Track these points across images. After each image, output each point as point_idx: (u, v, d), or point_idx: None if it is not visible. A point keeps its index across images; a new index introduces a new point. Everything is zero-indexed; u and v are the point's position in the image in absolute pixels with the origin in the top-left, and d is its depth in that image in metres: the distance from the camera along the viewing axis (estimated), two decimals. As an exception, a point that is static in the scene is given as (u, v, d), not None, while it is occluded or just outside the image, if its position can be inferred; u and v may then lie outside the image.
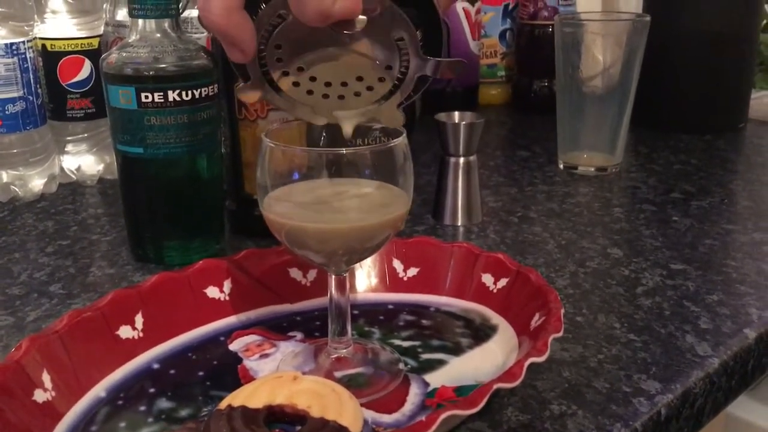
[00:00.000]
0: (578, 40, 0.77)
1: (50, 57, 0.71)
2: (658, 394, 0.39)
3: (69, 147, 0.75)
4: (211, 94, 0.54)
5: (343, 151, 0.38)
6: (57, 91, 0.72)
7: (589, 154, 0.78)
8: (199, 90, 0.53)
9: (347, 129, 0.40)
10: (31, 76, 0.68)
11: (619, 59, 0.77)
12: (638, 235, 0.61)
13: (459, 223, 0.64)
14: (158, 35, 0.53)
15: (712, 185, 0.73)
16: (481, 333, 0.45)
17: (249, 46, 0.35)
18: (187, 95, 0.52)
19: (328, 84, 0.39)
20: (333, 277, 0.41)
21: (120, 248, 0.59)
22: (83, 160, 0.75)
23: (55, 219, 0.66)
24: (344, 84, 0.39)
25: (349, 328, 0.42)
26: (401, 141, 0.39)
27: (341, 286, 0.41)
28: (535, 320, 0.41)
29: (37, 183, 0.71)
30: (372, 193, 0.38)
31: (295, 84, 0.39)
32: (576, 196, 0.71)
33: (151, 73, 0.51)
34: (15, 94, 0.67)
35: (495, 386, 0.33)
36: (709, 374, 0.41)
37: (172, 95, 0.52)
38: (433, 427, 0.30)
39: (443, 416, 0.31)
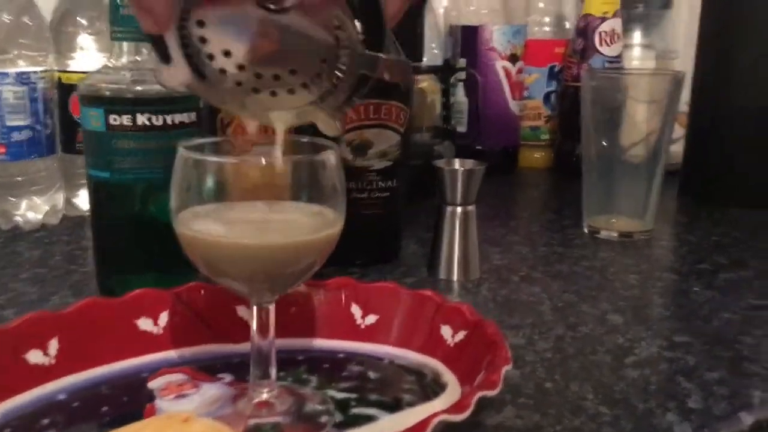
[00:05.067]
0: (608, 96, 0.72)
1: (64, 90, 0.71)
2: (614, 478, 0.33)
3: (82, 180, 0.75)
4: (186, 121, 0.52)
5: (263, 161, 0.34)
6: (68, 124, 0.72)
7: (617, 219, 0.72)
8: (171, 116, 0.51)
9: (279, 129, 0.37)
10: (40, 106, 0.69)
11: (659, 121, 0.71)
12: (647, 304, 0.54)
13: (454, 278, 0.59)
14: (137, 59, 0.52)
15: (749, 258, 0.65)
16: (428, 390, 0.40)
17: (162, 12, 0.31)
18: (157, 120, 0.50)
19: (258, 76, 0.35)
20: (255, 312, 0.37)
21: (92, 280, 0.57)
22: (93, 195, 0.75)
23: (45, 249, 0.65)
24: (276, 77, 0.36)
25: (273, 372, 0.38)
26: (328, 155, 0.35)
27: (264, 324, 0.37)
28: (479, 378, 0.36)
29: (38, 213, 0.70)
30: (295, 211, 0.35)
31: (222, 72, 0.35)
32: (592, 259, 0.64)
33: (120, 95, 0.50)
34: (22, 123, 0.68)
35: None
36: (685, 461, 0.34)
37: (141, 119, 0.50)
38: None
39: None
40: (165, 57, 0.35)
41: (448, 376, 0.40)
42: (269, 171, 0.34)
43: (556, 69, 1.05)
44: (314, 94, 0.36)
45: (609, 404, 0.39)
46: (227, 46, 0.35)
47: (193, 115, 0.52)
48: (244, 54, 0.35)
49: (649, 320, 0.51)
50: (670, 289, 0.57)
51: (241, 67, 0.35)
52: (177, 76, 0.35)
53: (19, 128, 0.68)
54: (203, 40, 0.34)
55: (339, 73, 0.35)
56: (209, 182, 0.34)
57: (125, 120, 0.50)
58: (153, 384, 0.40)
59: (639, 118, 0.72)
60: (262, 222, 0.35)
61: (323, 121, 0.37)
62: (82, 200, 0.75)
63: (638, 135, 0.72)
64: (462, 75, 0.97)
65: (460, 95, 0.98)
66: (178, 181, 0.35)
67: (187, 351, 0.44)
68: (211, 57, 0.35)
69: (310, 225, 0.35)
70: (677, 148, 0.93)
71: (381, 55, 0.34)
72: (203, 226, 0.34)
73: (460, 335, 0.41)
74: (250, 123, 0.37)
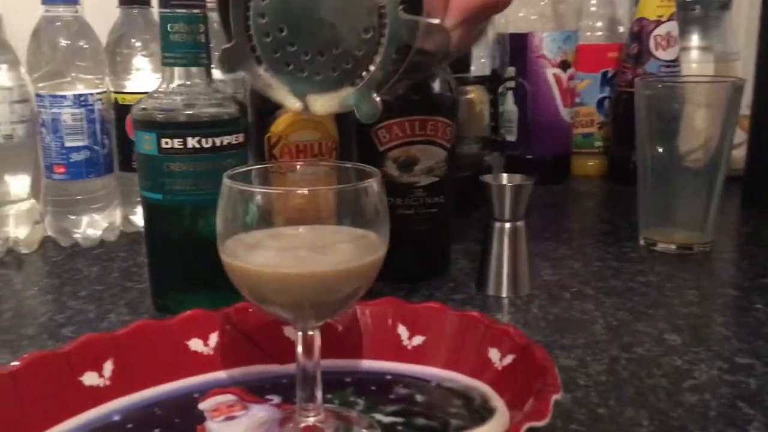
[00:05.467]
0: (663, 105, 0.70)
1: (120, 110, 0.73)
2: None
3: (139, 198, 0.77)
4: (234, 143, 0.53)
5: (306, 191, 0.34)
6: (125, 144, 0.74)
7: (675, 231, 0.70)
8: (220, 138, 0.52)
9: (320, 111, 0.39)
10: (98, 127, 0.71)
11: (719, 128, 0.69)
12: (707, 322, 0.52)
13: (503, 295, 0.58)
14: (188, 83, 0.53)
15: (816, 271, 0.62)
16: (476, 415, 0.39)
17: None
18: (207, 143, 0.51)
19: (306, 53, 0.38)
20: (300, 336, 0.37)
21: (147, 297, 0.58)
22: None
23: (103, 265, 0.67)
24: (321, 54, 0.38)
25: (318, 394, 0.38)
26: (371, 182, 0.35)
27: (309, 348, 0.37)
28: (528, 405, 0.35)
29: (97, 230, 0.72)
30: (339, 237, 0.35)
31: (275, 51, 0.38)
32: (648, 274, 0.62)
33: (171, 119, 0.51)
34: (80, 143, 0.70)
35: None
36: (746, 495, 0.33)
37: (191, 142, 0.51)
38: None
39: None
40: (229, 35, 0.38)
41: (497, 401, 0.40)
42: (312, 198, 0.34)
43: (609, 74, 1.03)
44: (356, 71, 0.37)
45: (665, 432, 0.38)
46: (281, 21, 0.37)
47: (240, 137, 0.53)
48: (295, 30, 0.37)
49: (708, 340, 0.49)
50: (731, 306, 0.55)
51: (291, 44, 0.38)
52: (237, 57, 0.38)
53: (77, 149, 0.70)
54: (263, 15, 0.37)
55: (380, 43, 0.36)
56: (253, 211, 0.34)
57: (176, 143, 0.51)
58: (203, 405, 0.41)
59: (697, 126, 0.70)
60: (305, 250, 0.35)
61: (364, 105, 0.38)
62: (139, 217, 0.76)
63: (697, 142, 0.70)
64: (511, 84, 0.95)
65: (509, 103, 0.97)
66: (223, 210, 0.35)
67: (237, 371, 0.44)
68: (267, 35, 0.37)
69: (353, 251, 0.35)
70: (739, 153, 0.90)
71: (420, 18, 0.35)
72: (247, 256, 0.35)
73: (509, 359, 0.41)
74: (294, 103, 0.39)
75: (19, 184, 0.70)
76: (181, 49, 0.52)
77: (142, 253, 0.70)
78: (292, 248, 0.35)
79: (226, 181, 0.35)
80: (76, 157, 0.70)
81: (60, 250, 0.71)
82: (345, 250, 0.35)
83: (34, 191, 0.73)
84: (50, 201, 0.72)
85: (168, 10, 0.51)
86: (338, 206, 0.35)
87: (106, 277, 0.64)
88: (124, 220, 0.76)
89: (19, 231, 0.70)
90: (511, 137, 0.98)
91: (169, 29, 0.51)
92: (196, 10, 0.51)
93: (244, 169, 0.37)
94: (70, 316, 0.55)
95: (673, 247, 0.68)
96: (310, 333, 0.37)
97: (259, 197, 0.35)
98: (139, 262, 0.68)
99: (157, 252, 0.55)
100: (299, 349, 0.37)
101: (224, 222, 0.35)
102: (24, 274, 0.65)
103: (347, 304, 0.37)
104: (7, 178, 0.69)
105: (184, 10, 0.51)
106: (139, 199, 0.75)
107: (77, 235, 0.72)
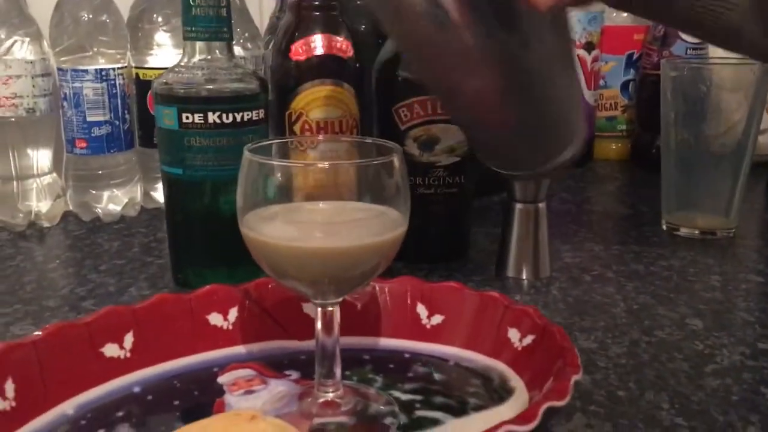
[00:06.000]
0: (689, 87, 0.68)
1: (141, 85, 0.73)
2: (690, 496, 0.31)
3: (159, 174, 0.77)
4: (255, 118, 0.52)
5: (326, 165, 0.34)
6: (146, 119, 0.74)
7: (698, 216, 0.69)
8: (241, 114, 0.51)
9: None
10: (119, 102, 0.71)
11: (745, 112, 0.68)
12: (730, 308, 0.51)
13: (523, 277, 0.58)
14: (209, 58, 0.52)
15: (843, 258, 0.61)
16: (494, 395, 0.39)
17: None
18: (227, 118, 0.51)
19: None
20: (320, 312, 0.37)
21: (167, 272, 0.59)
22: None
23: (124, 240, 0.67)
24: None
25: (337, 371, 0.38)
26: (391, 158, 0.34)
27: (329, 324, 0.37)
28: (547, 386, 0.35)
29: (117, 205, 0.73)
30: (359, 213, 0.34)
31: None
32: (670, 259, 0.62)
33: (192, 94, 0.51)
34: (101, 118, 0.70)
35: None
36: (768, 480, 0.33)
37: (212, 117, 0.51)
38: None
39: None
40: None
41: (516, 381, 0.39)
42: (333, 173, 0.34)
43: (635, 56, 1.01)
44: None
45: (686, 415, 0.37)
46: None
47: (261, 113, 0.53)
48: None
49: (731, 326, 0.48)
50: (755, 292, 0.54)
51: None
52: None
53: (99, 123, 0.70)
54: None
55: None
56: (273, 185, 0.34)
57: (197, 118, 0.51)
58: (223, 379, 0.41)
59: (723, 109, 0.68)
60: (326, 225, 0.35)
61: None
62: (160, 193, 0.77)
63: (722, 126, 0.68)
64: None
65: (533, 85, 0.96)
66: (243, 183, 0.35)
67: (256, 347, 0.44)
68: None
69: (374, 227, 0.35)
70: (767, 139, 0.89)
71: None
72: (267, 229, 0.34)
73: (528, 339, 0.40)
74: None
75: (41, 158, 0.71)
76: (203, 24, 0.51)
77: (162, 229, 0.71)
78: (313, 223, 0.35)
79: (246, 154, 0.35)
80: (97, 131, 0.70)
81: (81, 225, 0.72)
82: (365, 226, 0.35)
83: (56, 165, 0.73)
84: (72, 175, 0.72)
85: (190, -16, 0.51)
86: (359, 182, 0.34)
87: (127, 252, 0.64)
88: (144, 195, 0.77)
89: (41, 205, 0.71)
90: (533, 119, 0.97)
91: (191, 3, 0.50)
92: (218, -16, 0.51)
93: (266, 142, 0.37)
94: (91, 289, 0.56)
95: (697, 232, 0.67)
96: (330, 309, 0.37)
97: (279, 171, 0.35)
98: (159, 238, 0.68)
99: (177, 226, 0.55)
100: (318, 325, 0.37)
101: (244, 195, 0.35)
102: (46, 248, 0.66)
103: (366, 280, 0.37)
104: (30, 151, 0.70)
105: (206, -16, 0.50)
106: (159, 175, 0.75)
107: (98, 210, 0.72)
